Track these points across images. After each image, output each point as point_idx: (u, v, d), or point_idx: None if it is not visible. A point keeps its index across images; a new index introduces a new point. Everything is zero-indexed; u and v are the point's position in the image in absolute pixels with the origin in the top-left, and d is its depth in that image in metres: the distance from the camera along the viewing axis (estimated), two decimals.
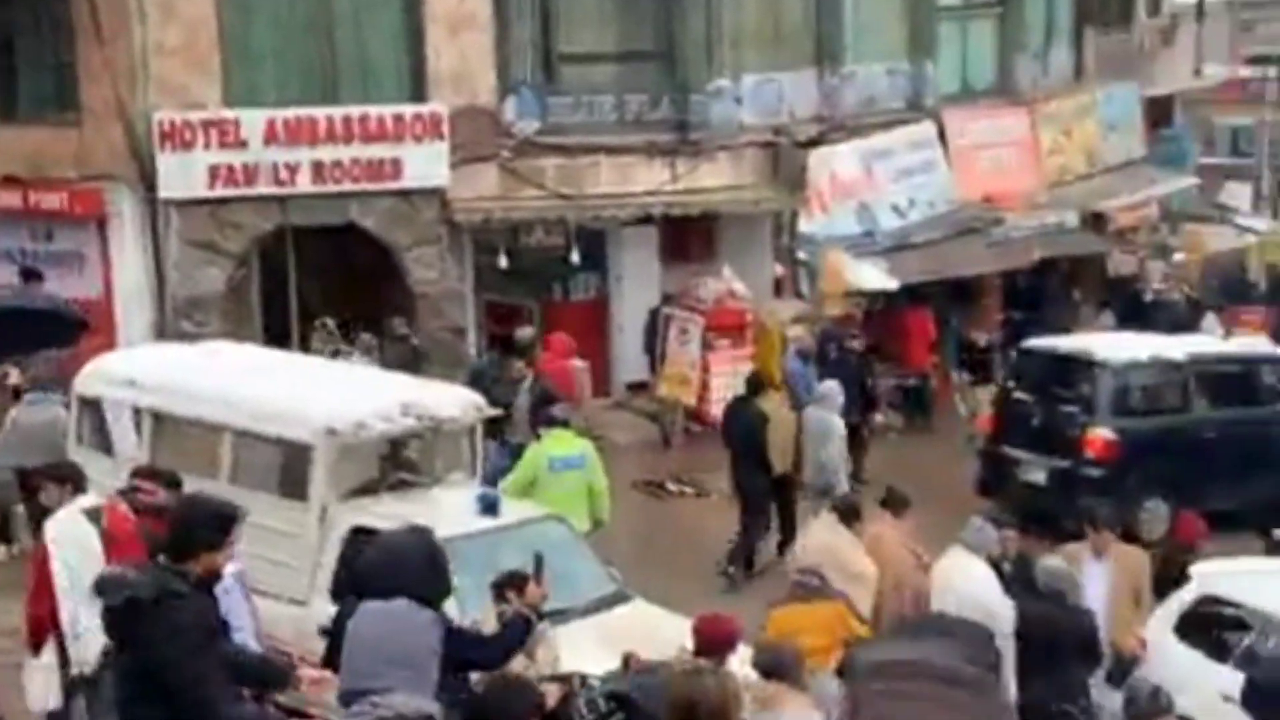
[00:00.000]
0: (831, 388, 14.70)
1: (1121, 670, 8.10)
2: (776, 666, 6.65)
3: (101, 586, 6.08)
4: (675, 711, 4.71)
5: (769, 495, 14.08)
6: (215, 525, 6.12)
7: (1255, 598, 9.91)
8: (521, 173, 17.95)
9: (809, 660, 8.33)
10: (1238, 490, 14.40)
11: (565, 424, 12.51)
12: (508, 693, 5.28)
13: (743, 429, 14.19)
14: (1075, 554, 10.13)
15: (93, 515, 8.41)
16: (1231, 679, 9.16)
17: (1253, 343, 18.28)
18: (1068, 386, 15.71)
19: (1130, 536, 10.77)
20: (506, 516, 10.34)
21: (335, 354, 15.70)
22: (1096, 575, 9.96)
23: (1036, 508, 15.03)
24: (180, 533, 6.09)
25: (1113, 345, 16.32)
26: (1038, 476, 15.41)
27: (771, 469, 13.96)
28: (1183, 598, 10.35)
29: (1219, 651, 9.81)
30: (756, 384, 14.76)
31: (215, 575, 6.15)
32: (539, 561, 7.82)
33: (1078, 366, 15.73)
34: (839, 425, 14.32)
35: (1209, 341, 18.34)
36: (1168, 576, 10.83)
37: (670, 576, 12.97)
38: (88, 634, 7.71)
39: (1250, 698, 8.58)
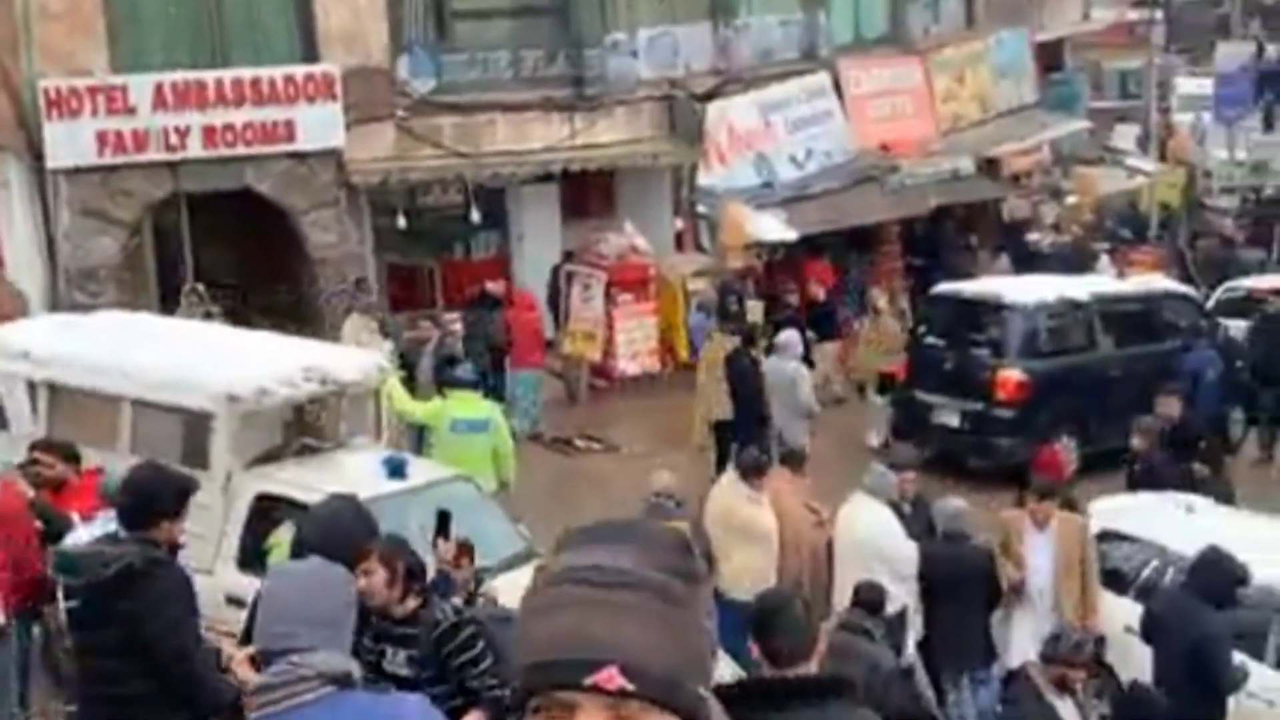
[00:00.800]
0: (790, 336, 14.93)
1: (1074, 643, 7.82)
2: None
3: (77, 564, 5.94)
4: None
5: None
6: (173, 494, 6.02)
7: (1151, 531, 10.16)
8: (418, 132, 17.78)
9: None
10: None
11: (473, 385, 12.44)
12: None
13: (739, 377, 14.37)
14: (1015, 522, 9.98)
15: None
16: (1132, 610, 9.38)
17: (1150, 281, 18.68)
18: (977, 330, 16.03)
19: (1070, 504, 10.68)
20: (414, 479, 10.28)
21: (207, 316, 15.56)
22: (1039, 546, 9.75)
23: (949, 449, 15.33)
24: (139, 502, 5.97)
25: (1019, 288, 16.62)
26: (951, 419, 15.70)
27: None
28: None
29: (1119, 585, 10.05)
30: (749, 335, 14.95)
31: (177, 546, 6.05)
32: (444, 518, 7.81)
33: (986, 310, 16.04)
34: (804, 371, 14.58)
35: (1110, 282, 18.72)
36: None
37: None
38: None
39: (1149, 628, 8.79)
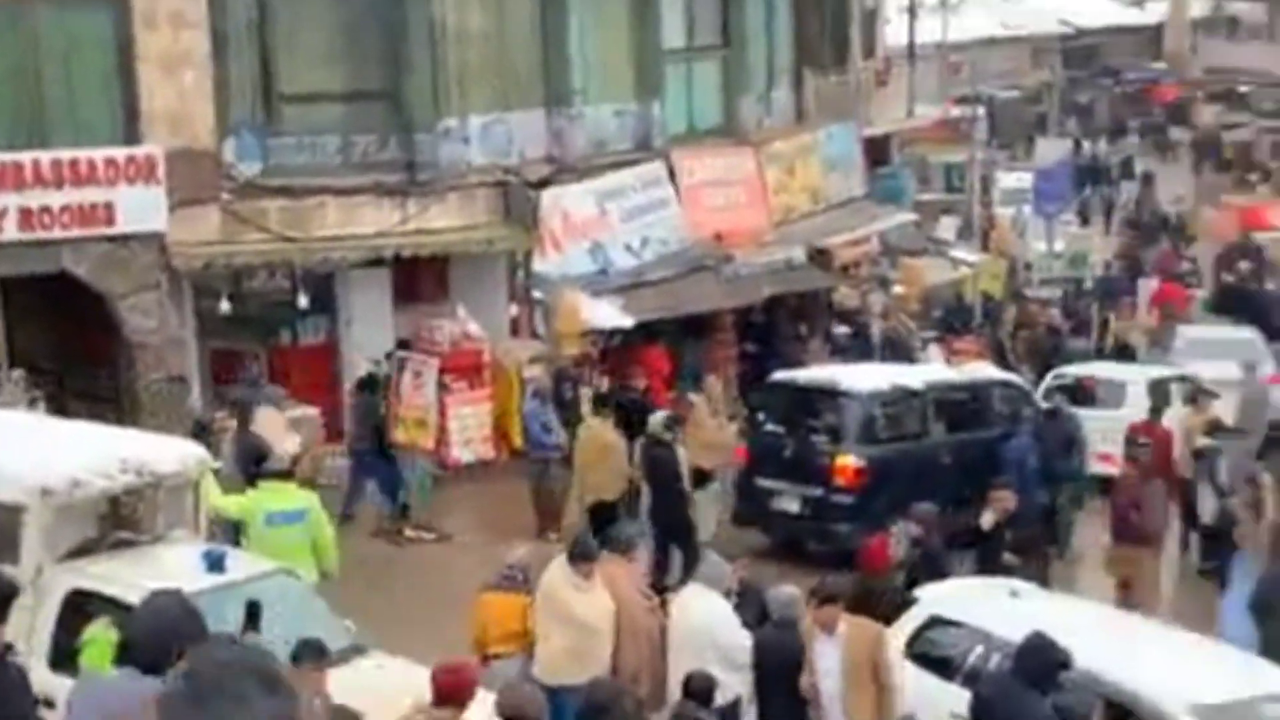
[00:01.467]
0: (660, 418, 15.08)
1: None
2: (520, 712, 6.57)
3: None
4: None
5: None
6: None
7: (977, 617, 10.26)
8: (244, 215, 17.47)
9: (503, 645, 10.18)
10: (977, 510, 14.95)
11: (287, 475, 12.15)
12: None
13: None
14: (809, 626, 9.65)
15: None
16: (959, 696, 9.43)
17: (978, 369, 19.12)
18: (815, 417, 16.25)
19: (863, 605, 10.64)
20: (234, 572, 10.02)
21: (31, 404, 15.04)
22: (827, 652, 9.48)
23: (790, 535, 15.38)
24: None
25: (856, 376, 16.92)
26: (791, 505, 15.84)
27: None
28: (911, 620, 10.65)
29: (946, 670, 10.11)
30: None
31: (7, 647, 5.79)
32: (253, 609, 7.56)
33: (824, 397, 16.29)
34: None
35: (941, 370, 19.11)
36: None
37: (411, 625, 12.77)
38: None
39: (976, 713, 8.84)
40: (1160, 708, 8.87)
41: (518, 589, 10.45)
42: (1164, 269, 32.76)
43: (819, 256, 23.41)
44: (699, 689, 8.50)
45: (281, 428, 15.38)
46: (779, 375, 17.66)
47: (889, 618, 10.77)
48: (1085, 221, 38.00)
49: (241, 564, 10.30)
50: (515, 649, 10.18)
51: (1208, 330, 25.69)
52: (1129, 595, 13.94)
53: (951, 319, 26.38)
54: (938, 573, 11.61)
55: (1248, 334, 24.09)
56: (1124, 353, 24.01)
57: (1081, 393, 19.86)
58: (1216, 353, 21.63)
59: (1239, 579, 13.19)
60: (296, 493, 12.03)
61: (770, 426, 16.55)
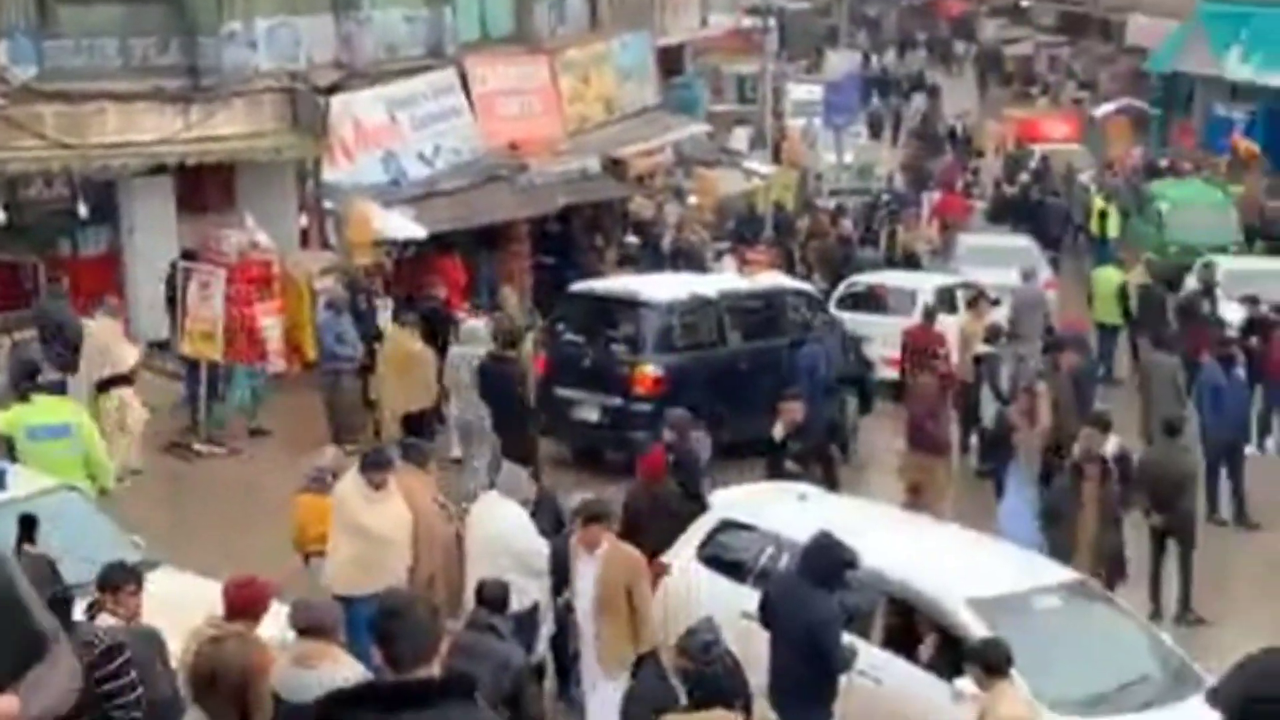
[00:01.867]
0: (476, 326, 15.22)
1: (703, 643, 7.81)
2: (315, 624, 6.54)
3: None
4: (197, 681, 4.51)
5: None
6: None
7: (767, 520, 10.54)
8: (18, 120, 16.71)
9: (321, 544, 10.20)
10: (771, 416, 15.27)
11: (60, 391, 11.85)
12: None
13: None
14: (571, 549, 9.56)
15: None
16: (750, 597, 9.69)
17: (772, 278, 19.46)
18: (614, 327, 16.41)
19: (646, 513, 10.83)
20: (16, 489, 9.76)
21: None
22: (585, 572, 9.38)
23: (590, 444, 15.52)
24: None
25: (654, 286, 17.11)
26: (591, 414, 15.97)
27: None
28: (703, 525, 10.87)
29: (737, 573, 10.37)
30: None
31: None
32: (28, 523, 7.39)
33: (623, 307, 16.45)
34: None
35: (736, 279, 19.41)
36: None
37: (203, 539, 12.60)
38: None
39: (765, 613, 9.10)
40: (939, 602, 9.26)
41: (323, 491, 10.60)
42: (947, 181, 33.71)
43: (614, 167, 23.48)
44: (492, 595, 8.57)
45: (120, 337, 15.01)
46: (578, 286, 17.77)
47: (675, 524, 11.03)
48: (874, 134, 38.82)
49: (22, 480, 10.03)
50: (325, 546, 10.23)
51: (986, 238, 26.73)
52: (918, 499, 14.46)
53: (743, 229, 26.74)
54: (692, 478, 11.79)
55: (1024, 242, 25.09)
56: (910, 261, 24.70)
57: (873, 300, 20.44)
58: (995, 260, 22.52)
59: (1015, 483, 13.80)
60: (62, 407, 11.78)
61: (569, 336, 16.63)
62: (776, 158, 31.94)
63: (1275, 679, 3.55)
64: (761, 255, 22.93)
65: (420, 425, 15.02)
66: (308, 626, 6.55)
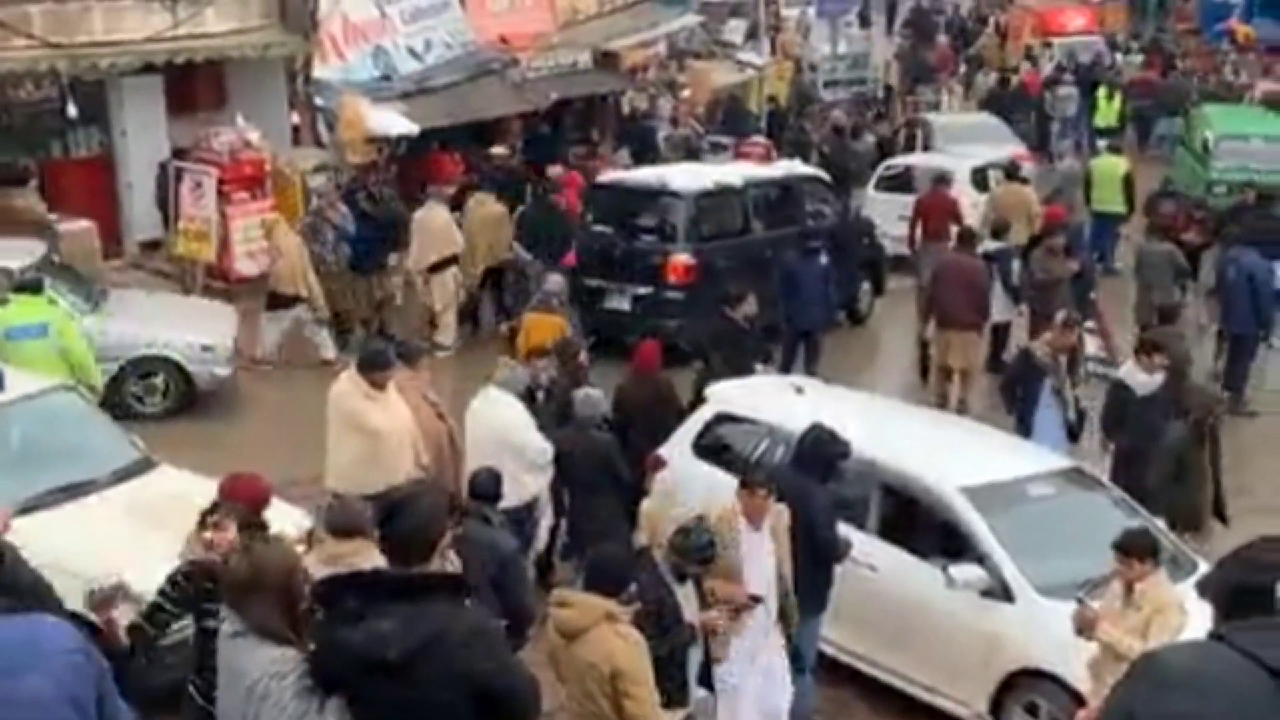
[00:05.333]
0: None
1: (704, 542, 7.47)
2: (349, 524, 6.51)
3: None
4: (236, 586, 4.55)
5: None
6: None
7: (762, 412, 10.61)
8: (6, 21, 16.53)
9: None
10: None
11: (35, 289, 11.80)
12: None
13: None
14: (729, 520, 8.19)
15: None
16: None
17: (787, 166, 19.54)
18: (643, 217, 16.71)
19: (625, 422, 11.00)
20: (13, 390, 9.82)
21: None
22: (756, 544, 8.17)
23: (620, 332, 15.65)
24: None
25: (681, 175, 17.42)
26: (621, 304, 16.26)
27: None
28: (699, 417, 10.95)
29: (734, 465, 10.44)
30: None
31: None
32: None
33: (652, 197, 16.78)
34: None
35: (756, 167, 19.54)
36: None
37: (202, 439, 12.70)
38: None
39: None
40: (932, 491, 9.36)
41: (554, 310, 13.12)
42: (941, 70, 33.41)
43: (606, 60, 23.26)
44: (483, 485, 8.65)
45: (451, 223, 16.73)
46: (606, 176, 18.22)
47: (674, 415, 11.14)
48: (865, 24, 38.35)
49: (20, 381, 10.05)
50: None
51: (955, 117, 27.05)
52: (948, 381, 14.49)
53: (735, 123, 26.51)
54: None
55: (993, 120, 25.38)
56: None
57: (910, 181, 20.69)
58: (966, 137, 23.36)
59: (1044, 399, 13.18)
60: (39, 306, 11.70)
61: (598, 228, 16.84)
62: (772, 49, 31.60)
63: (1263, 570, 3.62)
64: (756, 149, 22.82)
65: (501, 280, 16.88)
66: (341, 526, 6.55)
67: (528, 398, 10.54)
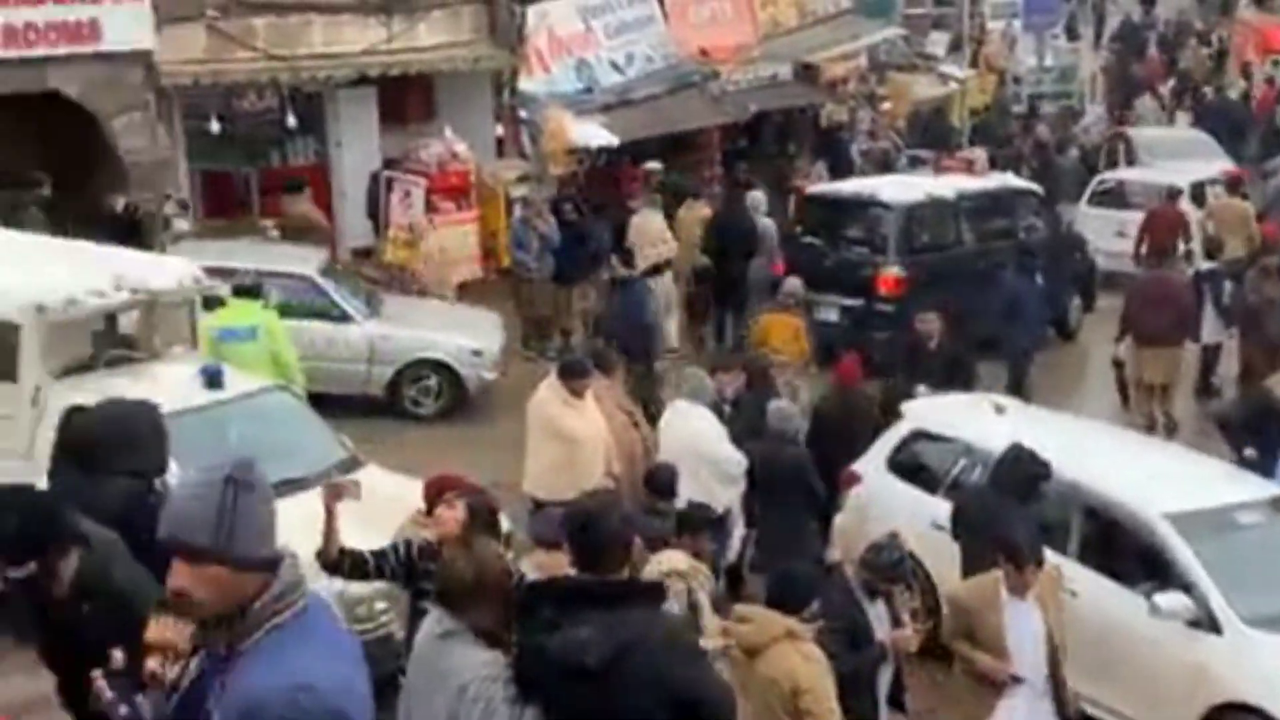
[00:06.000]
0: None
1: (894, 559, 7.44)
2: (557, 535, 6.38)
3: None
4: (457, 589, 4.58)
5: None
6: None
7: (960, 430, 10.49)
8: (230, 33, 17.26)
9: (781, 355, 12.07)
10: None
11: (253, 294, 12.22)
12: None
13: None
14: (980, 596, 7.64)
15: None
16: (941, 508, 9.70)
17: (1000, 178, 19.35)
18: (855, 228, 16.77)
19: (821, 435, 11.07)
20: (231, 389, 10.19)
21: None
22: (1021, 614, 7.50)
23: (829, 343, 15.65)
24: None
25: (894, 187, 17.45)
26: (829, 315, 16.22)
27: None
28: (895, 433, 10.87)
29: (929, 483, 10.37)
30: None
31: None
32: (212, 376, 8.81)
33: (863, 209, 16.80)
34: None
35: (965, 180, 19.34)
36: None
37: (402, 440, 13.03)
38: None
39: (956, 525, 9.10)
40: (1136, 515, 9.15)
41: (790, 310, 13.58)
42: (1150, 84, 32.53)
43: (806, 72, 23.22)
44: (658, 480, 8.71)
45: (664, 227, 16.99)
46: (817, 187, 18.37)
47: (871, 430, 11.06)
48: (1071, 36, 37.53)
49: (238, 381, 10.42)
50: (792, 356, 12.40)
51: (1160, 132, 26.29)
52: (1149, 399, 14.17)
53: (935, 136, 26.21)
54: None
55: (1198, 134, 24.61)
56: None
57: (1124, 196, 20.63)
58: (1172, 152, 22.90)
59: None
60: (251, 310, 12.04)
61: (808, 239, 16.91)
62: (974, 62, 31.16)
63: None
64: (957, 162, 22.51)
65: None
66: (548, 537, 6.47)
67: (715, 410, 10.57)
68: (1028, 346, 14.86)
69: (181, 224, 16.36)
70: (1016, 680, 7.47)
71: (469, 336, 14.75)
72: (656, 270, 16.40)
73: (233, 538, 3.27)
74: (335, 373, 13.88)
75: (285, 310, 13.14)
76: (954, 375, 12.36)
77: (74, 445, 6.99)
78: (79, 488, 6.80)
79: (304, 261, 14.61)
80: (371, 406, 14.09)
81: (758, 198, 17.50)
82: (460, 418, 14.44)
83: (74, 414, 7.54)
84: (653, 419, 10.86)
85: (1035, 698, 7.50)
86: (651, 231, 16.62)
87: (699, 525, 8.18)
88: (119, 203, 16.08)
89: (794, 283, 14.17)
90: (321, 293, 14.35)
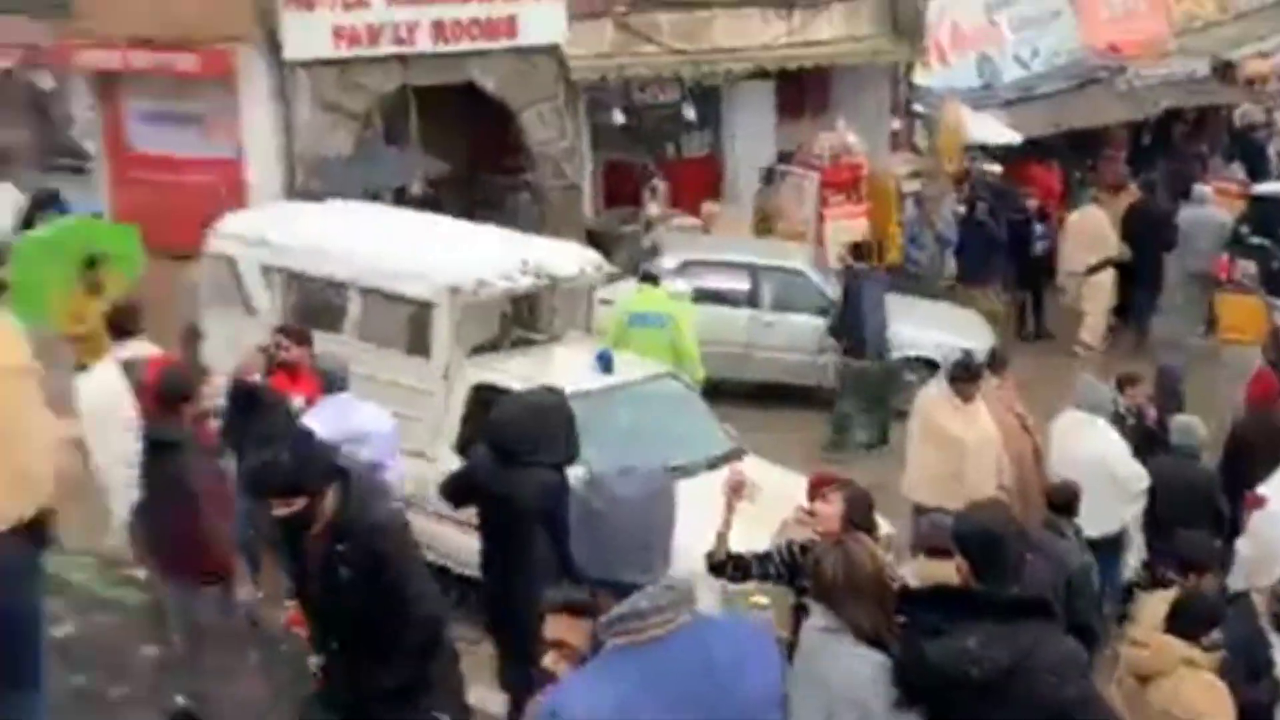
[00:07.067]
0: (1204, 189, 16.63)
1: None
2: (945, 544, 5.74)
3: None
4: (833, 585, 4.58)
5: None
6: None
7: None
8: (637, 28, 17.82)
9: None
10: None
11: (656, 281, 12.50)
12: None
13: None
14: None
15: (129, 366, 8.51)
16: None
17: None
18: None
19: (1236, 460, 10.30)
20: (624, 374, 10.43)
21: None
22: None
23: None
24: None
25: None
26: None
27: None
28: None
29: None
30: None
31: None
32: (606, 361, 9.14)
33: None
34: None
35: None
36: None
37: (779, 433, 13.13)
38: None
39: None
40: None
41: (1249, 292, 14.01)
42: None
43: (1223, 69, 22.09)
44: (1059, 497, 8.46)
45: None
46: (1265, 187, 17.39)
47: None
48: None
49: (630, 366, 10.68)
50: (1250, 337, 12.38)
51: None
52: None
53: None
54: None
55: None
56: None
57: None
58: None
59: None
60: (663, 298, 12.30)
61: (1255, 239, 16.09)
62: None
63: None
64: None
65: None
66: (938, 546, 6.15)
67: (1116, 421, 10.20)
68: None
69: (653, 208, 16.98)
70: None
71: (958, 335, 14.26)
72: (1097, 269, 16.10)
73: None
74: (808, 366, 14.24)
75: (778, 304, 13.71)
76: None
77: (495, 437, 7.35)
78: (495, 474, 7.18)
79: (796, 256, 14.94)
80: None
81: (1204, 191, 16.94)
82: None
83: (495, 404, 7.93)
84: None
85: None
86: (1092, 230, 16.36)
87: None
88: (415, 184, 16.71)
89: (1247, 265, 13.60)
90: (814, 286, 14.65)
